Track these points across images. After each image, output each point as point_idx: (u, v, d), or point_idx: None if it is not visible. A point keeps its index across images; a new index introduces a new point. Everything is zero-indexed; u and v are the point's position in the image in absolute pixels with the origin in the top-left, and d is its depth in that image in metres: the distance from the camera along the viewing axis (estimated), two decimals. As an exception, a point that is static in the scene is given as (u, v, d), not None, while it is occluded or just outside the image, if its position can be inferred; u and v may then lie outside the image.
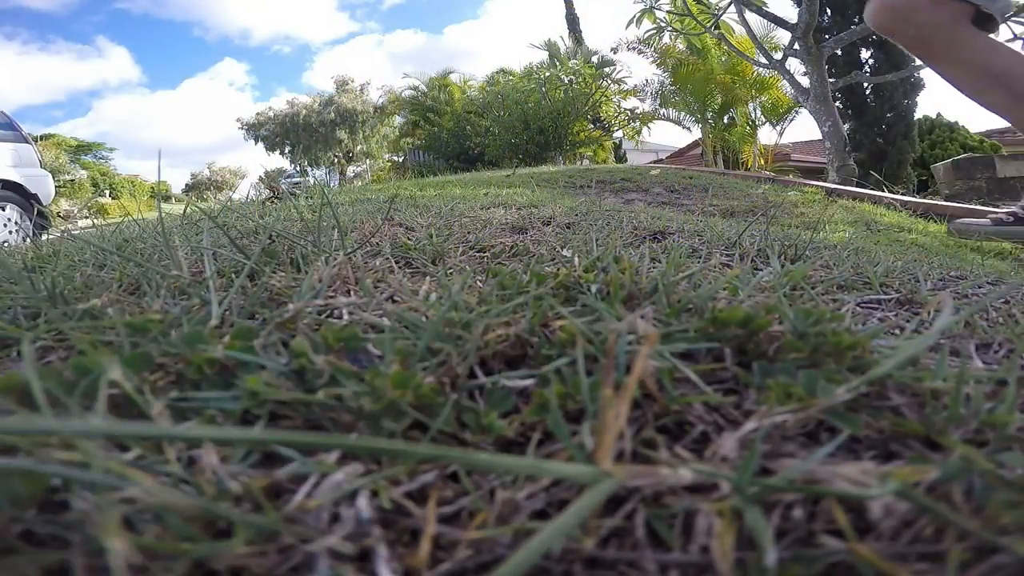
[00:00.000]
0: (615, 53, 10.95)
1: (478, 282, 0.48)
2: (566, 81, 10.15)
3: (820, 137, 5.69)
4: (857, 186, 4.56)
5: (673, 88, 10.90)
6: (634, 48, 10.48)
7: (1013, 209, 1.49)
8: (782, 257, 0.69)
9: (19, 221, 3.53)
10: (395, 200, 1.34)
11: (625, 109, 11.17)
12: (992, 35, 1.40)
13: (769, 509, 0.21)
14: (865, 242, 1.35)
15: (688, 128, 11.99)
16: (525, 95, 9.99)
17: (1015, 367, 0.30)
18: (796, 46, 5.40)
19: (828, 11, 7.87)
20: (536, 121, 9.55)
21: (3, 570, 0.17)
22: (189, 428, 0.25)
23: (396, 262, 0.58)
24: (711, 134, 11.25)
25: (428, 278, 0.51)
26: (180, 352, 0.30)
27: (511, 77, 12.43)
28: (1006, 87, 1.36)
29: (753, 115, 10.98)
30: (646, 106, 11.50)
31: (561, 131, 9.70)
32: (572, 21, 15.65)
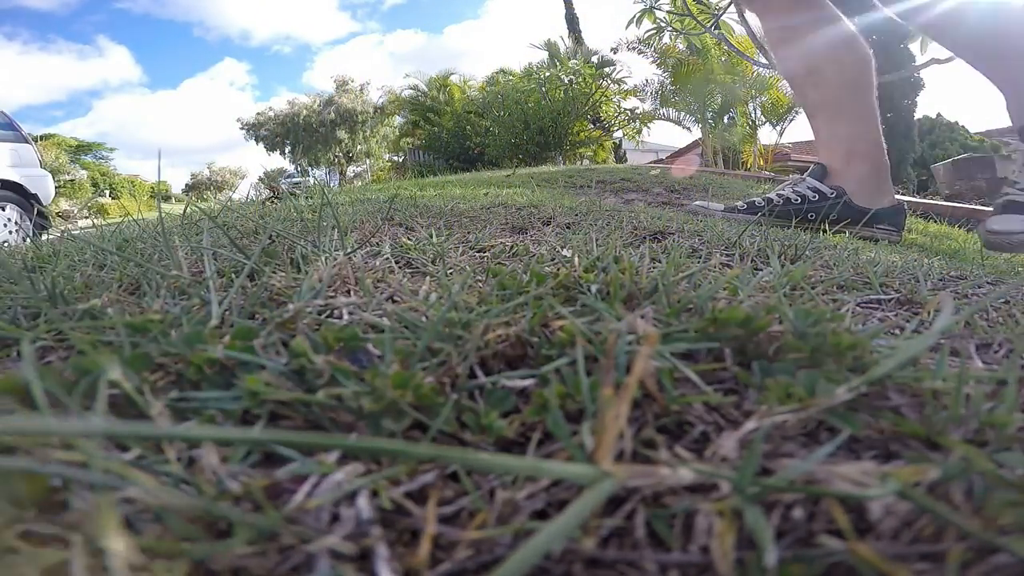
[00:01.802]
0: (615, 53, 10.95)
1: (478, 282, 0.48)
2: (566, 81, 10.15)
3: (820, 137, 5.68)
4: (857, 186, 4.55)
5: (673, 88, 10.90)
6: (634, 48, 10.48)
7: (753, 199, 1.51)
8: (782, 257, 0.69)
9: (19, 221, 3.53)
10: (395, 200, 1.34)
11: (625, 109, 11.18)
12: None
13: (769, 509, 0.21)
14: (865, 242, 1.35)
15: (688, 128, 11.99)
16: (525, 95, 9.99)
17: (1015, 367, 0.30)
18: (796, 46, 5.39)
19: (828, 11, 7.85)
20: (536, 121, 9.56)
21: (3, 570, 0.17)
22: (189, 428, 0.25)
23: (396, 262, 0.58)
24: (711, 134, 11.25)
25: (428, 278, 0.51)
26: (180, 352, 0.30)
27: (511, 77, 12.42)
28: (802, 56, 1.41)
29: (753, 115, 10.98)
30: (646, 106, 11.51)
31: (561, 131, 9.71)
32: (572, 21, 15.65)
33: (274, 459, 0.24)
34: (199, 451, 0.23)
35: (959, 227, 2.27)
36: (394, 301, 0.41)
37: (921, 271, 0.64)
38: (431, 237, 0.68)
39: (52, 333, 0.37)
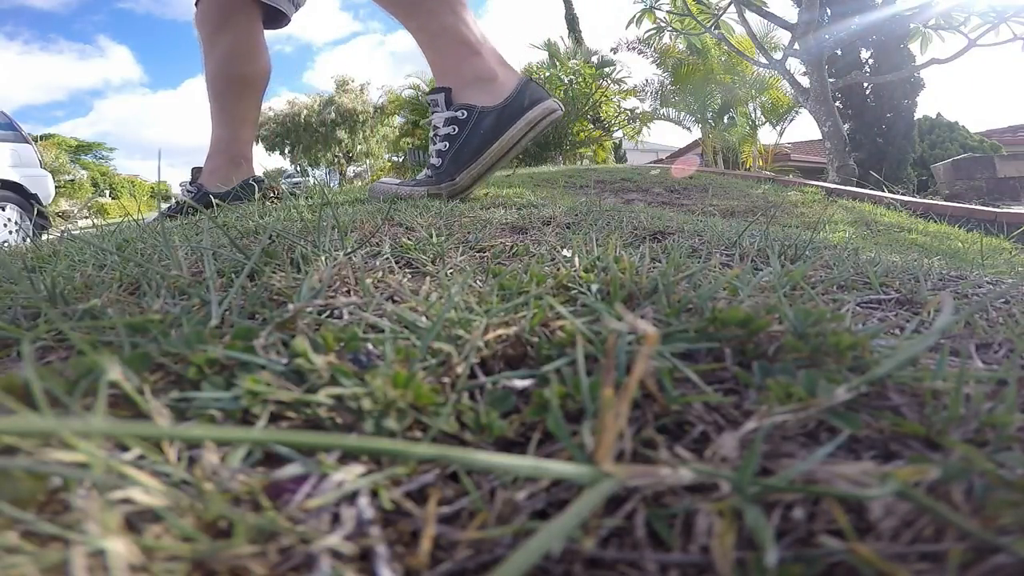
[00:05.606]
0: (615, 53, 10.94)
1: (478, 282, 0.48)
2: (566, 81, 10.14)
3: (820, 137, 5.70)
4: (857, 186, 4.57)
5: (673, 88, 10.91)
6: (634, 48, 10.49)
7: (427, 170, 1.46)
8: (782, 257, 0.69)
9: (19, 221, 3.53)
10: (395, 200, 1.34)
11: (625, 109, 11.16)
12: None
13: (769, 509, 0.21)
14: (865, 242, 1.35)
15: (688, 128, 12.00)
16: (525, 95, 9.95)
17: (1015, 367, 0.30)
18: (796, 46, 5.40)
19: (828, 11, 7.87)
20: (536, 121, 9.52)
21: (3, 570, 0.17)
22: (189, 428, 0.25)
23: (396, 262, 0.58)
24: (711, 134, 11.25)
25: (428, 278, 0.51)
26: (180, 352, 0.30)
27: (511, 77, 12.38)
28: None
29: (753, 115, 10.98)
30: (646, 106, 11.51)
31: (561, 131, 9.69)
32: (572, 21, 15.63)
33: (274, 459, 0.24)
34: (199, 451, 0.23)
35: (959, 227, 2.27)
36: (394, 301, 0.41)
37: (921, 271, 0.64)
38: (431, 237, 0.68)
39: (52, 333, 0.37)
